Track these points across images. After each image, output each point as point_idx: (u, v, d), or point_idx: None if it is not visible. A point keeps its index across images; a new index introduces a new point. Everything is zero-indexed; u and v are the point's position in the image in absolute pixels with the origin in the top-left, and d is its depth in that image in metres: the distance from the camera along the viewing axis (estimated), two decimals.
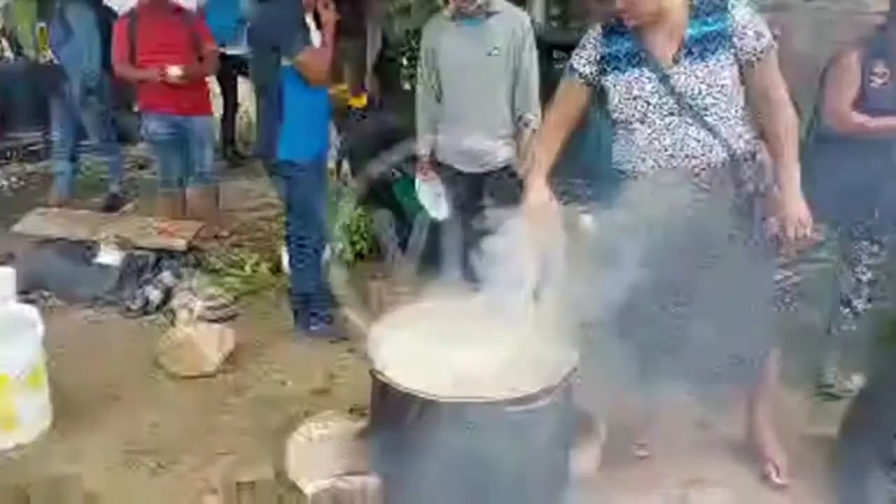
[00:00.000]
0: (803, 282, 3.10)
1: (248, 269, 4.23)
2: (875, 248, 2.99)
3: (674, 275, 2.21)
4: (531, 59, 3.46)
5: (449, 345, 2.29)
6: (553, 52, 5.57)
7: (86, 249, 4.04)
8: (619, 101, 2.25)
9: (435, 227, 3.93)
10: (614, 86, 2.26)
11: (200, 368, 3.26)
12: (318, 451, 2.57)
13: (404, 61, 6.35)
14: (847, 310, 3.08)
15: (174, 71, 4.27)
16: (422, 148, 3.73)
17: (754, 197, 2.25)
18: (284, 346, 3.59)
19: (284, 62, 3.27)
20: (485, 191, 3.71)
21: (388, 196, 4.53)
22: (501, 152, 3.53)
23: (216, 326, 3.45)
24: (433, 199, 3.78)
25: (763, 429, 2.64)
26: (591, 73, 2.31)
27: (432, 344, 2.29)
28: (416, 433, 2.08)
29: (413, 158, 4.13)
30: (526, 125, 3.49)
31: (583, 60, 2.34)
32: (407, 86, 6.11)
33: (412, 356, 2.24)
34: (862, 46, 2.91)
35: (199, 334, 3.30)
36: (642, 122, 2.22)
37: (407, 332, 2.33)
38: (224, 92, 6.18)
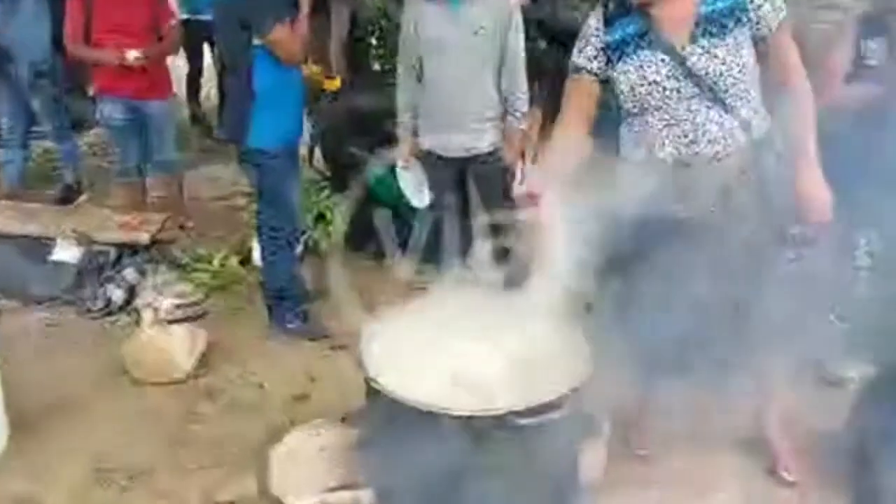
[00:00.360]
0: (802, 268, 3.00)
1: (216, 263, 3.96)
2: (873, 235, 2.90)
3: (691, 268, 2.07)
4: (517, 38, 3.28)
5: (448, 345, 2.12)
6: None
7: (40, 245, 3.74)
8: (631, 89, 2.08)
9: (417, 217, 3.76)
10: (624, 73, 2.09)
11: (170, 375, 3.02)
12: (305, 463, 2.40)
13: (373, 41, 6.10)
14: (845, 297, 2.99)
15: (133, 55, 3.96)
16: (402, 132, 3.53)
17: (771, 182, 2.11)
18: (259, 346, 3.36)
19: (255, 41, 3.02)
20: (469, 177, 3.53)
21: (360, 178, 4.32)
22: (488, 136, 3.36)
23: (186, 327, 3.21)
24: (415, 187, 3.58)
25: (772, 424, 2.53)
26: (598, 67, 2.15)
27: (430, 345, 2.11)
28: (414, 445, 1.90)
29: (389, 143, 3.95)
30: (514, 108, 3.32)
31: (585, 55, 2.17)
32: (377, 66, 5.87)
33: (408, 359, 2.06)
34: (858, 23, 2.81)
35: (168, 337, 3.06)
36: (658, 109, 2.06)
37: (402, 332, 2.15)
38: (189, 59, 5.91)
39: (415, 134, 3.49)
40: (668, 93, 2.04)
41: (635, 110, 2.11)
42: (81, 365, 3.18)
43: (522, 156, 3.47)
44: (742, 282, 2.18)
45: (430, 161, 3.49)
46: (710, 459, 2.50)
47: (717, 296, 2.18)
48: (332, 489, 2.31)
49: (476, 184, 3.53)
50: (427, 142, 3.46)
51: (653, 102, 2.06)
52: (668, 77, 2.03)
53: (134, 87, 4.08)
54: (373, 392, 2.02)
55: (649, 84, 2.05)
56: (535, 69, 3.57)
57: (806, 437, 2.56)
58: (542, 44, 4.49)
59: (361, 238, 4.25)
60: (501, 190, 3.48)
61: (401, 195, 3.96)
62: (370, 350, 2.07)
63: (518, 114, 3.32)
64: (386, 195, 4.17)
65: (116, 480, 2.53)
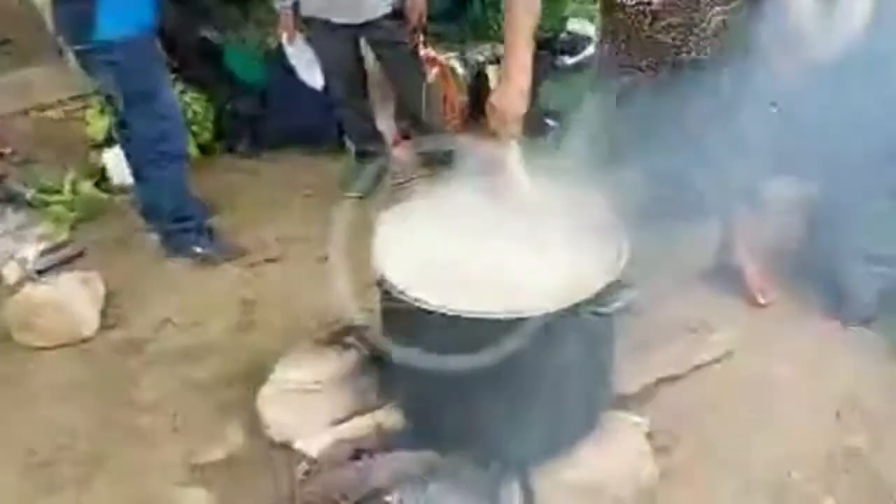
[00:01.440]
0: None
1: (66, 191, 3.29)
2: None
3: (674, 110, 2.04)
4: None
5: (462, 247, 1.86)
6: None
7: None
8: None
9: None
10: None
11: (76, 333, 2.50)
12: (300, 399, 2.10)
13: None
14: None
15: None
16: (280, 3, 3.00)
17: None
18: (164, 280, 2.86)
19: None
20: (365, 44, 3.12)
21: (217, 66, 3.71)
22: None
23: (75, 275, 2.64)
24: (305, 65, 3.13)
25: (743, 251, 2.60)
26: None
27: (444, 248, 1.85)
28: (450, 354, 1.69)
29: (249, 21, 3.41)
30: None
31: None
32: None
33: (431, 267, 1.79)
34: None
35: (61, 289, 2.50)
36: None
37: (411, 237, 1.86)
38: None
39: (295, 5, 2.98)
40: None
41: None
42: None
43: (430, 16, 3.10)
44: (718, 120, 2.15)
45: (319, 31, 3.02)
46: (692, 301, 2.52)
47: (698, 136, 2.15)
48: (342, 420, 2.06)
49: (376, 52, 3.14)
50: (311, 9, 2.97)
51: None
52: None
53: None
54: (393, 304, 1.74)
55: None
56: None
57: (767, 258, 2.66)
58: None
59: (233, 135, 3.74)
60: (405, 55, 3.13)
61: (270, 77, 3.49)
62: (386, 261, 1.76)
63: None
64: (253, 79, 3.65)
65: (66, 474, 2.07)
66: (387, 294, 1.74)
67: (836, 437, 2.05)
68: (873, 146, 2.30)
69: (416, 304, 1.63)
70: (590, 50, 3.92)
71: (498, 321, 1.59)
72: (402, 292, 1.67)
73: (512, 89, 1.82)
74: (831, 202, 2.62)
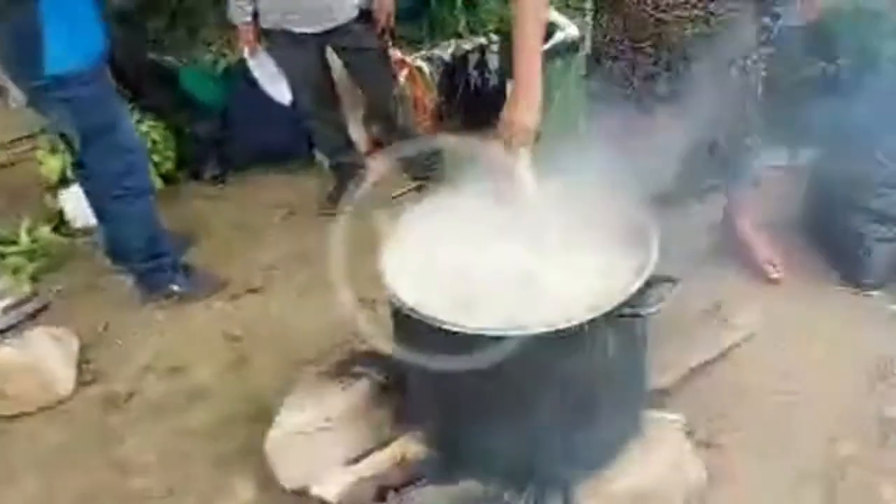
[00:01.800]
0: None
1: (23, 239, 3.06)
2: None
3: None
4: None
5: (480, 260, 1.70)
6: None
7: None
8: None
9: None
10: None
11: (53, 394, 2.28)
12: (310, 441, 1.92)
13: None
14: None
15: None
16: (238, 16, 2.82)
17: None
18: (144, 323, 2.64)
19: None
20: (335, 52, 2.96)
21: (172, 89, 3.50)
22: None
23: (42, 331, 2.42)
24: (269, 80, 2.94)
25: (747, 227, 2.52)
26: None
27: (459, 263, 1.69)
28: (479, 374, 1.53)
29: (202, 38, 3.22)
30: None
31: None
32: None
33: (452, 280, 1.64)
34: None
35: (30, 348, 2.28)
36: None
37: (427, 251, 1.70)
38: None
39: (254, 15, 2.80)
40: None
41: None
42: None
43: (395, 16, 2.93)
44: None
45: (282, 44, 2.84)
46: (705, 283, 2.38)
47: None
48: (359, 458, 1.89)
49: (343, 58, 2.97)
50: (273, 20, 2.79)
51: None
52: None
53: None
54: (413, 328, 1.58)
55: None
56: None
57: (772, 231, 2.57)
58: None
59: (197, 161, 3.54)
60: (374, 59, 2.96)
61: (229, 95, 3.31)
62: (399, 283, 1.60)
63: None
64: (211, 99, 3.46)
65: None
66: (406, 317, 1.57)
67: (875, 407, 1.97)
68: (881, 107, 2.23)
69: (454, 328, 1.46)
70: (559, 36, 3.82)
71: (530, 336, 1.43)
72: (438, 320, 1.49)
73: (528, 101, 1.70)
74: (838, 167, 2.54)
